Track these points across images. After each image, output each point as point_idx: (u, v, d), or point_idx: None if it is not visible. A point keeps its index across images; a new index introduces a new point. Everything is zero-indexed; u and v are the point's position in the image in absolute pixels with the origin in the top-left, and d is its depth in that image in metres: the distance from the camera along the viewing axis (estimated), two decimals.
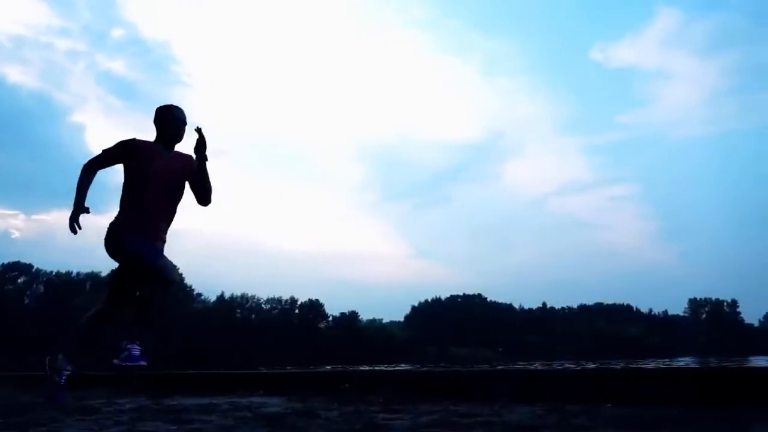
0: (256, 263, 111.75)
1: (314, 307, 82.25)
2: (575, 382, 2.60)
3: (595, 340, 70.36)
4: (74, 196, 3.11)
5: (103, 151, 3.24)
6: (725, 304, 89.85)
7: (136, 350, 3.16)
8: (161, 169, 3.24)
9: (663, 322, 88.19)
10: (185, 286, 60.99)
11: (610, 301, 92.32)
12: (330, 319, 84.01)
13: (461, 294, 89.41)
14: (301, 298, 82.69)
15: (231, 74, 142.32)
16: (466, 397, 2.65)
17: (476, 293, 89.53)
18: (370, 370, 3.39)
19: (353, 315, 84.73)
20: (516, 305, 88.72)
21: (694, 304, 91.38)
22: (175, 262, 3.19)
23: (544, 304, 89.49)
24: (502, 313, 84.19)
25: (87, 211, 3.12)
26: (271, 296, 79.31)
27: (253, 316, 76.61)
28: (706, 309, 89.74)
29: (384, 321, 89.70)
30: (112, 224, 3.18)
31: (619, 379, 2.51)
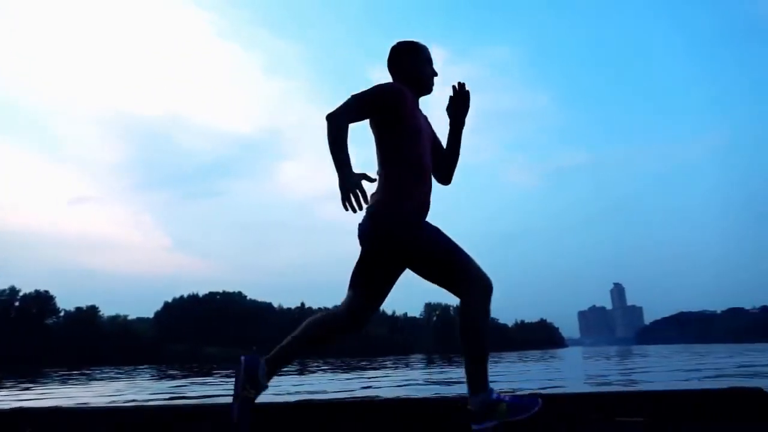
0: None
1: (41, 299, 70.48)
2: None
3: (346, 339, 75.27)
4: (337, 159, 1.98)
5: (364, 95, 2.10)
6: (452, 308, 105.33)
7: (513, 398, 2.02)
8: (426, 129, 2.31)
9: (404, 322, 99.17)
10: None
11: None
12: (62, 313, 72.99)
13: (221, 291, 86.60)
14: (25, 289, 70.39)
15: None
16: None
17: (237, 291, 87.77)
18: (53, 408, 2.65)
19: (93, 310, 75.20)
20: (276, 304, 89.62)
21: (429, 307, 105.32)
22: None
23: (302, 303, 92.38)
24: (262, 311, 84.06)
25: (369, 178, 2.02)
26: None
27: None
28: (437, 312, 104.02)
29: (130, 317, 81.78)
30: (391, 196, 2.11)
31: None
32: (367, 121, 2.20)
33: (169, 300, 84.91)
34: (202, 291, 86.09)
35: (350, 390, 7.73)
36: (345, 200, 1.92)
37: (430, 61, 2.32)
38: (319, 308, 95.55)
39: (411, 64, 2.29)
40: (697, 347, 43.36)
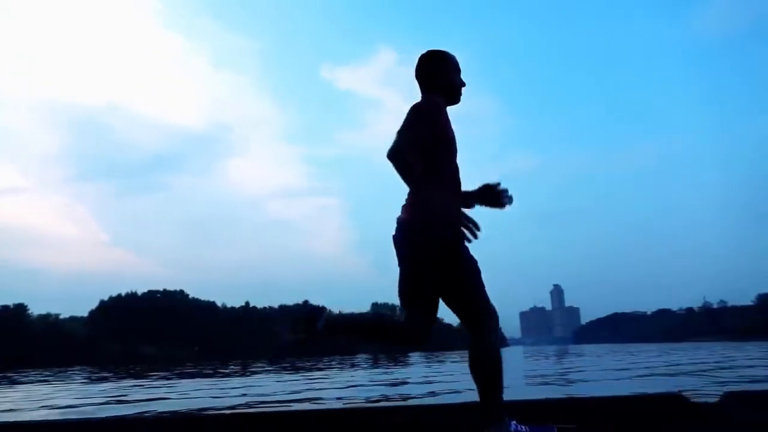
0: None
1: None
2: None
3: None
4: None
5: (415, 124, 2.04)
6: (398, 308, 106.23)
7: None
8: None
9: None
10: None
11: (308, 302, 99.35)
12: None
13: (161, 289, 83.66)
14: None
15: None
16: None
17: (178, 289, 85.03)
18: None
19: (20, 308, 70.97)
20: (219, 303, 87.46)
21: (375, 307, 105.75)
22: None
23: (247, 303, 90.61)
24: (204, 311, 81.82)
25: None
26: None
27: None
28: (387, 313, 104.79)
29: (62, 317, 77.70)
30: (427, 213, 2.06)
31: None
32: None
33: (105, 298, 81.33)
34: (141, 289, 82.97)
35: (297, 392, 7.67)
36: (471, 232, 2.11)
37: (459, 70, 2.27)
38: (265, 308, 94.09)
39: (443, 74, 2.23)
40: (630, 347, 45.73)
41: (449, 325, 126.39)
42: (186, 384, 11.13)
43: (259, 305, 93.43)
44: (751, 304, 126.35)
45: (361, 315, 2.20)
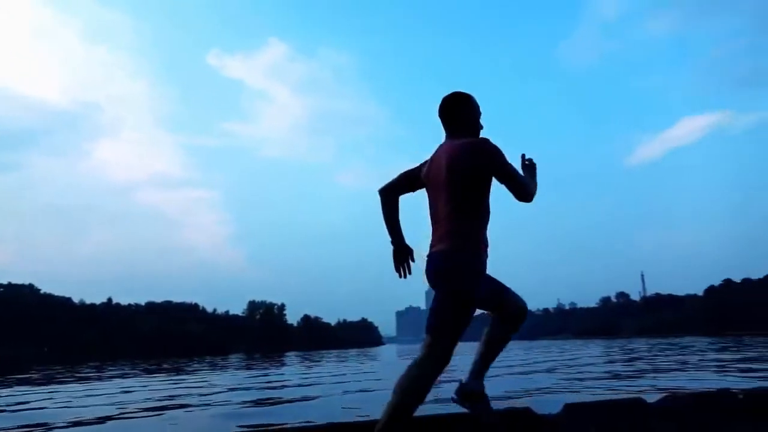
0: None
1: None
2: None
3: (159, 338, 69.90)
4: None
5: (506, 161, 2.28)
6: (276, 307, 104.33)
7: None
8: None
9: (224, 320, 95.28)
10: None
11: (179, 300, 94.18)
12: None
13: (5, 283, 74.40)
14: None
15: None
16: None
17: (27, 283, 76.07)
18: None
19: None
20: (76, 299, 79.66)
21: (252, 305, 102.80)
22: None
23: (109, 299, 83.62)
24: (58, 307, 74.02)
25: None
26: None
27: None
28: (261, 311, 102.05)
29: None
30: (473, 241, 2.26)
31: None
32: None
33: None
34: None
35: (162, 398, 7.28)
36: None
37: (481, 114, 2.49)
38: (129, 304, 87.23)
39: (475, 116, 2.43)
40: None
41: (328, 324, 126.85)
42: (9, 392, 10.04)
43: (124, 302, 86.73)
44: (596, 306, 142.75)
45: (397, 395, 2.15)
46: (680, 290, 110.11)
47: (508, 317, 2.41)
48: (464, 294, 2.19)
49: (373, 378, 10.04)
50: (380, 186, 2.49)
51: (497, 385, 7.45)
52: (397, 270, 2.44)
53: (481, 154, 2.21)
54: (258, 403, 6.38)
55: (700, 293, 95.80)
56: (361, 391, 7.39)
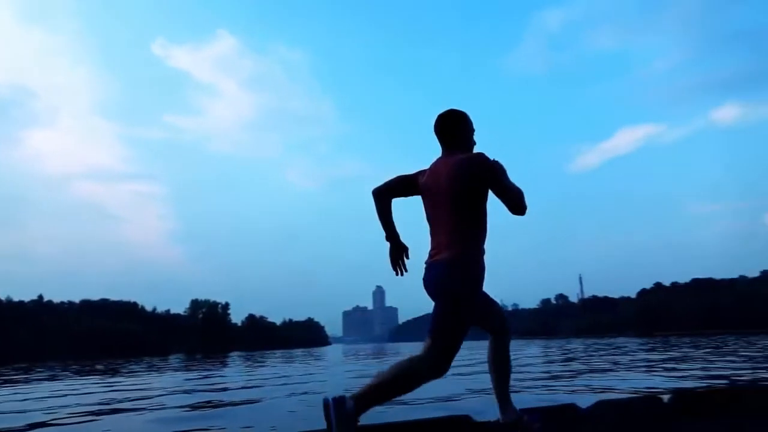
0: None
1: None
2: None
3: (94, 338, 66.75)
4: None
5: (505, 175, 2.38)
6: (219, 306, 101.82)
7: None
8: None
9: (164, 320, 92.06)
10: None
11: (117, 298, 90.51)
12: None
13: None
14: None
15: None
16: None
17: None
18: None
19: None
20: (3, 297, 75.03)
21: (195, 304, 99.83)
22: None
23: (40, 296, 79.23)
24: None
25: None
26: None
27: None
28: (204, 310, 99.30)
29: None
30: (474, 249, 2.36)
31: None
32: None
33: None
34: None
35: (91, 403, 6.97)
36: None
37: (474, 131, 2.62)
38: (62, 302, 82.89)
39: (470, 133, 2.56)
40: None
41: (273, 324, 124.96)
42: None
43: (56, 299, 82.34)
44: (537, 307, 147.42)
45: (381, 376, 2.24)
46: (615, 293, 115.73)
47: (499, 328, 2.59)
48: (465, 300, 2.26)
49: (320, 379, 9.99)
50: (374, 187, 2.57)
51: (438, 388, 7.59)
52: (394, 267, 2.52)
53: (480, 168, 2.31)
54: (197, 406, 6.21)
55: (634, 296, 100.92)
56: (306, 393, 7.34)
